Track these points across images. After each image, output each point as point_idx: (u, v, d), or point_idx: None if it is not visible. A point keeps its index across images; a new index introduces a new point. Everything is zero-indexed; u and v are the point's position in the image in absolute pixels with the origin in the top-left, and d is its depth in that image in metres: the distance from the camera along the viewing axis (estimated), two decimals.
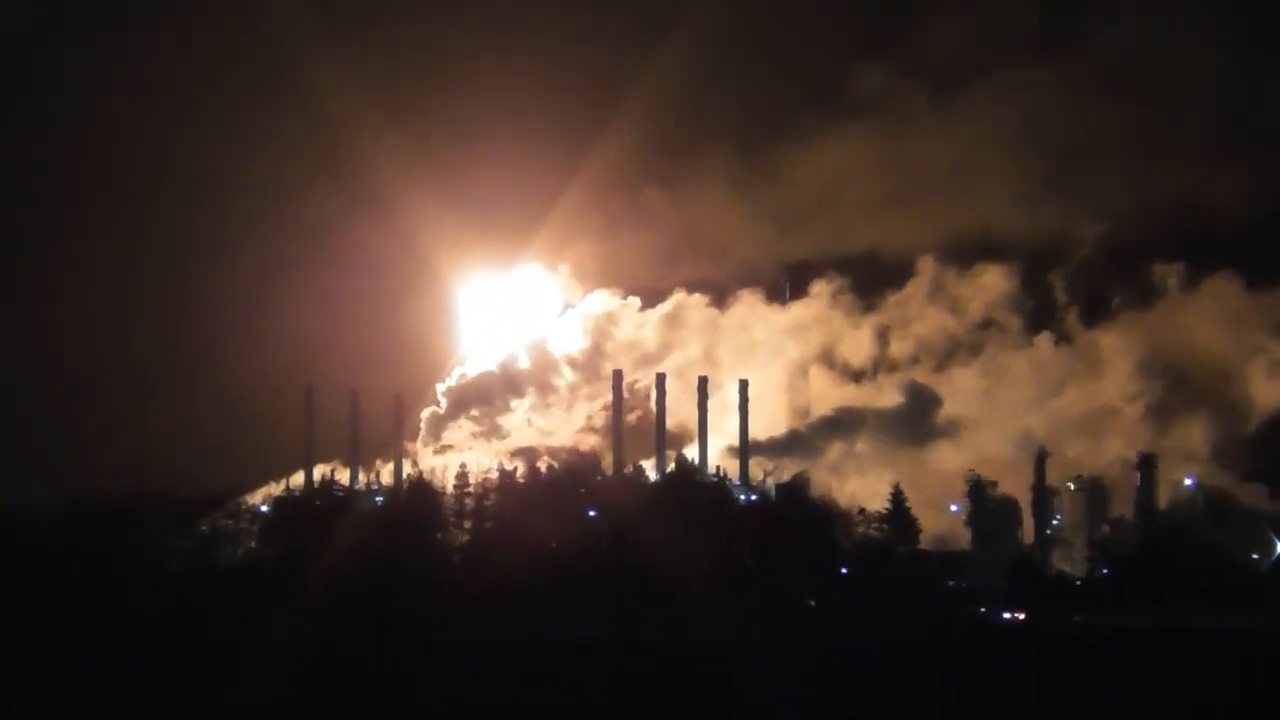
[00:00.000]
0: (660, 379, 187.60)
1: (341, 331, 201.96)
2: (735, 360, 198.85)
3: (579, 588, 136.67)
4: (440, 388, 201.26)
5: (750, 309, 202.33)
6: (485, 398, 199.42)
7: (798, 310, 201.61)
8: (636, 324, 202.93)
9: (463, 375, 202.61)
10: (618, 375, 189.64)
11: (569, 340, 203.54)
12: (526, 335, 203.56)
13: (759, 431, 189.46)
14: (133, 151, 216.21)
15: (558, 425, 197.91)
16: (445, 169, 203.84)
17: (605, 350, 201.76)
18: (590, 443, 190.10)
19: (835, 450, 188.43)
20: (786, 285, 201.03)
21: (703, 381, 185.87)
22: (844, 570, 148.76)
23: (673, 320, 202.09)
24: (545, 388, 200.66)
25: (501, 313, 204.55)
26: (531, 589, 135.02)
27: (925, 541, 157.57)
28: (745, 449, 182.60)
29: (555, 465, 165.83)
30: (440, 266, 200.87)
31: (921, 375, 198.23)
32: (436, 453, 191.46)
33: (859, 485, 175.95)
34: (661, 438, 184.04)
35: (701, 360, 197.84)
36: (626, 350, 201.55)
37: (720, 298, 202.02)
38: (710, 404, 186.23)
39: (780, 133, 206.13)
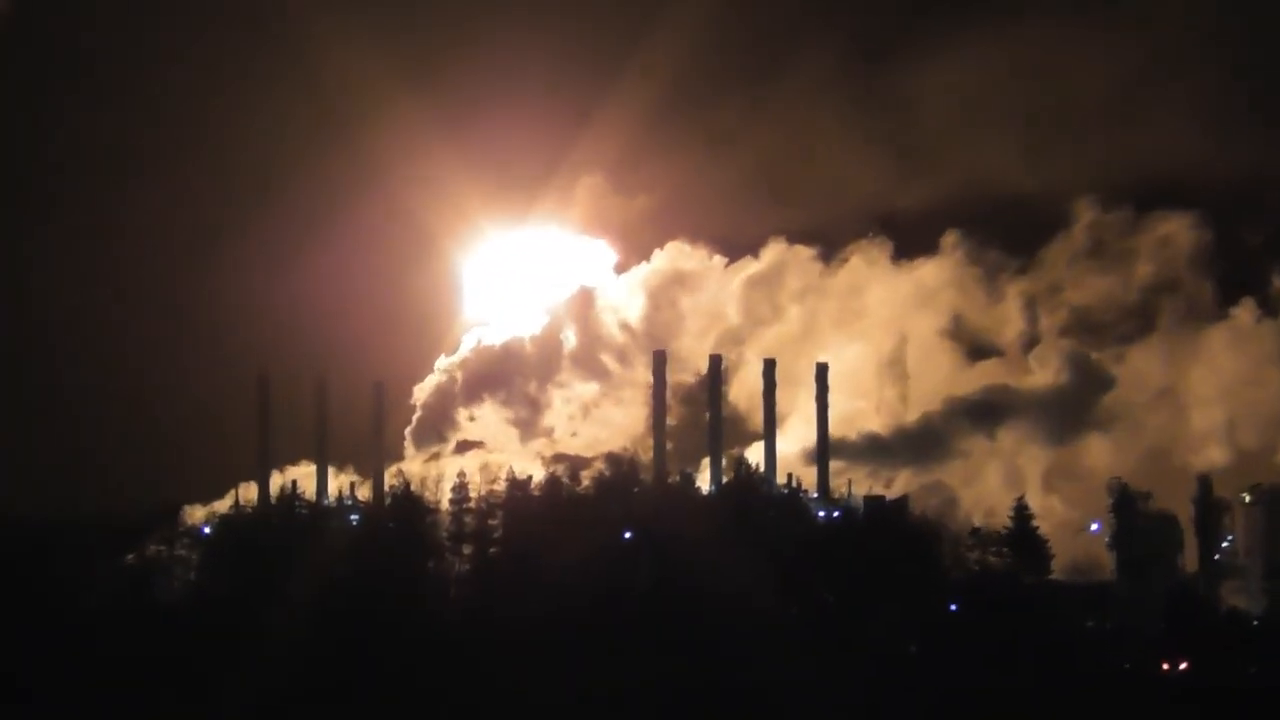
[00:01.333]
0: (715, 361, 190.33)
1: (307, 303, 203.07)
2: (841, 333, 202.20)
3: (611, 629, 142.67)
4: (443, 362, 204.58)
5: (869, 266, 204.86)
6: (510, 379, 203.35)
7: (924, 270, 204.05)
8: (719, 285, 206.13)
9: (481, 344, 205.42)
10: (659, 357, 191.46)
11: (628, 308, 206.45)
12: (567, 301, 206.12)
13: (874, 424, 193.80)
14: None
15: (610, 420, 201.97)
16: (445, 76, 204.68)
17: (679, 321, 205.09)
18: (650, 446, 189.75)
19: (962, 451, 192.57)
20: (876, 237, 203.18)
21: (769, 365, 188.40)
22: (953, 607, 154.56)
23: (766, 281, 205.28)
24: (595, 370, 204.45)
25: (531, 270, 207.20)
26: (546, 630, 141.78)
27: (1060, 569, 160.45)
28: (825, 451, 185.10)
29: (580, 476, 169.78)
30: (442, 209, 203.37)
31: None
32: (455, 451, 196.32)
33: (988, 495, 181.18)
34: (717, 438, 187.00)
35: (800, 335, 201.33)
36: (711, 321, 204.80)
37: (828, 252, 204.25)
38: (798, 394, 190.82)
39: (901, 42, 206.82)
